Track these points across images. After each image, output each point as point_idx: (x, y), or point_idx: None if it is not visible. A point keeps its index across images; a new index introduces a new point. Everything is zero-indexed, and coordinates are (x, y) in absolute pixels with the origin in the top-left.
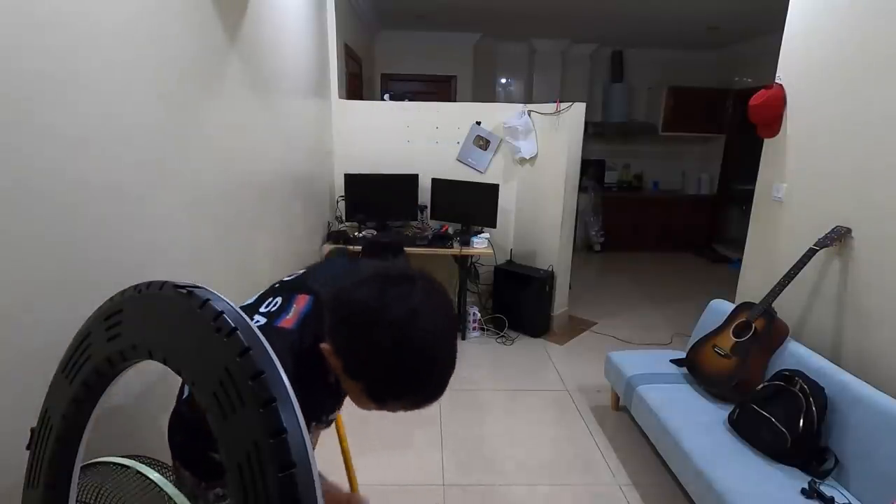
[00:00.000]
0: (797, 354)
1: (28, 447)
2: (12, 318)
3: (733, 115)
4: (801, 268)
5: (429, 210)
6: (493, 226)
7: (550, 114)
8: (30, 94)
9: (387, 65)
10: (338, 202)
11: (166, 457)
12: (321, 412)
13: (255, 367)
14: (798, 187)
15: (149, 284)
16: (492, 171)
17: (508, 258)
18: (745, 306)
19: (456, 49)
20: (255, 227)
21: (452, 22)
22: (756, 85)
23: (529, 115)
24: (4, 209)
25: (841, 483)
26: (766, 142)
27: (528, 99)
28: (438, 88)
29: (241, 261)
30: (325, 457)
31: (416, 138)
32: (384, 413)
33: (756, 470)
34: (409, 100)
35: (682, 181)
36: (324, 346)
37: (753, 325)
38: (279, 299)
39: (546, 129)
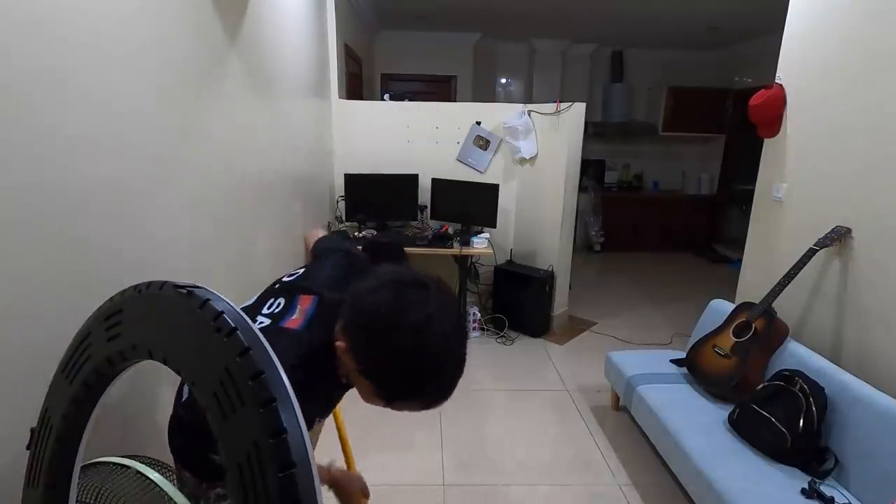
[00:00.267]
0: (797, 354)
1: (28, 447)
2: (12, 317)
3: (733, 115)
4: (801, 268)
5: (429, 210)
6: (493, 226)
7: (550, 114)
8: (29, 93)
9: (387, 65)
10: (338, 202)
11: (166, 457)
12: (327, 408)
13: (255, 367)
14: (798, 187)
15: (149, 284)
16: (492, 171)
17: (508, 258)
18: (745, 306)
19: (456, 49)
20: (256, 226)
21: (452, 22)
22: (756, 85)
23: (529, 115)
24: (4, 209)
25: (841, 483)
26: (766, 142)
27: (528, 99)
28: (438, 88)
29: (242, 261)
30: (322, 446)
31: (416, 138)
32: (385, 414)
33: (756, 470)
34: (409, 100)
35: (682, 181)
36: (339, 344)
37: (753, 325)
38: (282, 300)
39: (546, 129)
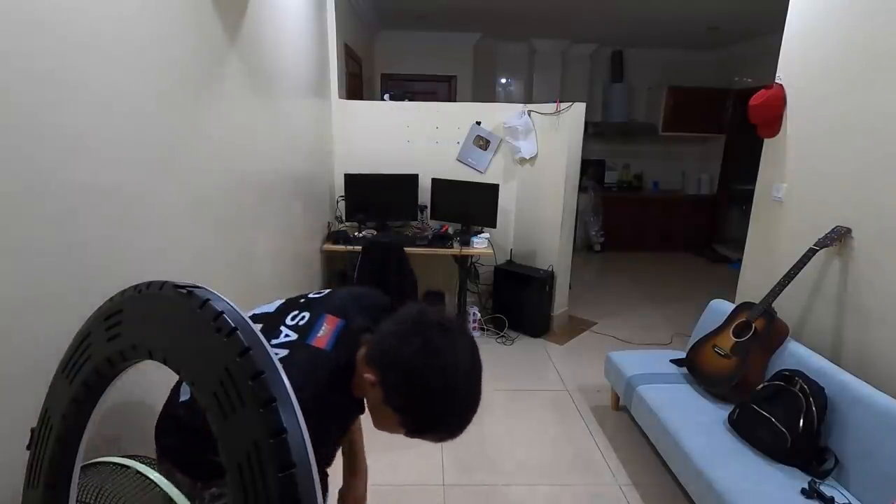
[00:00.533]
0: (797, 354)
1: (28, 447)
2: (13, 317)
3: (733, 115)
4: (801, 268)
5: (429, 210)
6: (493, 226)
7: (550, 114)
8: (29, 93)
9: (387, 65)
10: (338, 202)
11: None
12: (345, 430)
13: (255, 367)
14: (798, 187)
15: (149, 284)
16: (492, 171)
17: (508, 258)
18: (745, 306)
19: (456, 49)
20: (256, 227)
21: (452, 22)
22: (756, 85)
23: (529, 115)
24: (4, 209)
25: (841, 483)
26: (766, 142)
27: (528, 99)
28: (438, 88)
29: (242, 261)
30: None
31: (416, 138)
32: None
33: (756, 470)
34: (409, 100)
35: (682, 181)
36: (368, 376)
37: (753, 325)
38: (306, 314)
39: (546, 129)
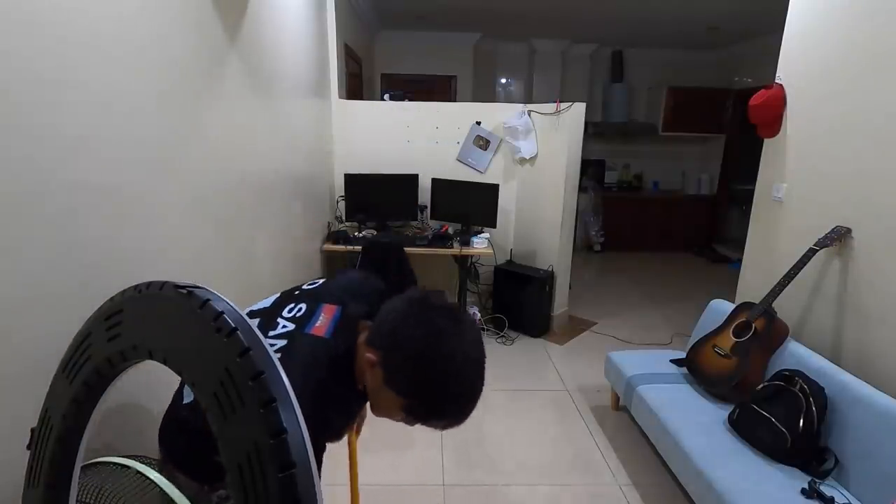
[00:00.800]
0: (797, 354)
1: (28, 447)
2: (13, 317)
3: (733, 115)
4: (801, 268)
5: (429, 210)
6: (493, 226)
7: (550, 114)
8: (29, 93)
9: (387, 65)
10: (338, 202)
11: None
12: (349, 418)
13: (256, 367)
14: (798, 187)
15: (149, 284)
16: (492, 171)
17: (508, 258)
18: (745, 306)
19: (456, 49)
20: (255, 227)
21: (452, 22)
22: (756, 85)
23: (529, 115)
24: (4, 209)
25: (841, 483)
26: (766, 142)
27: (528, 99)
28: (438, 88)
29: (242, 261)
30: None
31: (416, 138)
32: None
33: (756, 470)
34: (409, 100)
35: (682, 181)
36: (368, 356)
37: (753, 325)
38: (303, 305)
39: (546, 129)
